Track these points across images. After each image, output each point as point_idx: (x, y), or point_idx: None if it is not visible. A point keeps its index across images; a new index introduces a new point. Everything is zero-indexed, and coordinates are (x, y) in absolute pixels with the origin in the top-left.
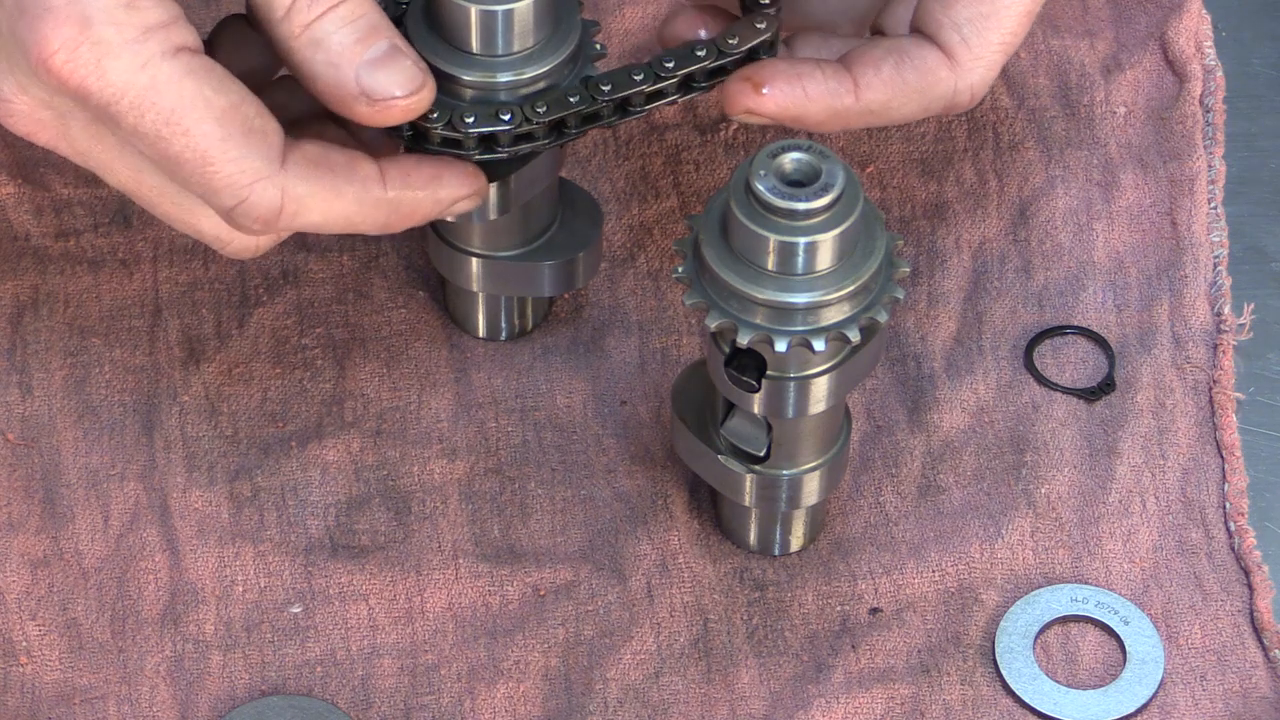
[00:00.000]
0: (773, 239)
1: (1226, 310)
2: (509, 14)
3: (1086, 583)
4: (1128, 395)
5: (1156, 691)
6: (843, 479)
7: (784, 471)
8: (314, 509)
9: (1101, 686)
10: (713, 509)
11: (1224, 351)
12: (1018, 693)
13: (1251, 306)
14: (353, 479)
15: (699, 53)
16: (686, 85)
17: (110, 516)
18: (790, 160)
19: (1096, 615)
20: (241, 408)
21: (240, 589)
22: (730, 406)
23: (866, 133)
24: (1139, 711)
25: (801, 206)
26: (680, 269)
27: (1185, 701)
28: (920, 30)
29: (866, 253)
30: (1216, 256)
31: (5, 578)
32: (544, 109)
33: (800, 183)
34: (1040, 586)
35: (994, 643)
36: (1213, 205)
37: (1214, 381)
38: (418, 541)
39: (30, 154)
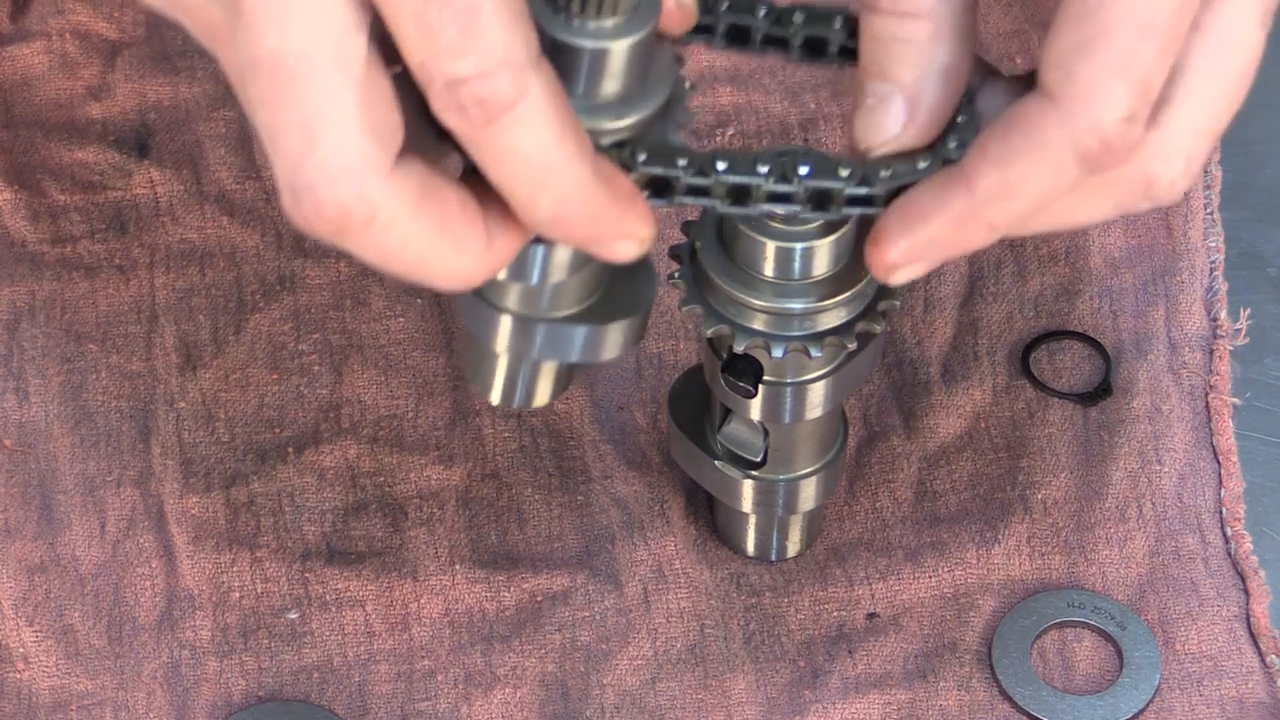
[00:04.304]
0: (770, 245)
1: (1223, 315)
2: (602, 54)
3: (1083, 588)
4: (1124, 400)
5: (1153, 697)
6: (839, 484)
7: (781, 477)
8: (311, 515)
9: (1098, 692)
10: (709, 515)
11: (1220, 356)
12: (1014, 698)
13: (1248, 311)
14: (349, 485)
15: (843, 172)
16: (820, 202)
17: (107, 523)
18: None
19: (1093, 620)
20: (238, 414)
21: (237, 595)
22: (727, 412)
23: None
24: (1135, 717)
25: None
26: (677, 274)
27: (1181, 707)
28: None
29: (863, 258)
30: (1212, 262)
31: (2, 584)
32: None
33: None
34: (1037, 592)
35: (991, 648)
36: (1208, 210)
37: (1210, 386)
38: (414, 548)
39: (27, 159)
